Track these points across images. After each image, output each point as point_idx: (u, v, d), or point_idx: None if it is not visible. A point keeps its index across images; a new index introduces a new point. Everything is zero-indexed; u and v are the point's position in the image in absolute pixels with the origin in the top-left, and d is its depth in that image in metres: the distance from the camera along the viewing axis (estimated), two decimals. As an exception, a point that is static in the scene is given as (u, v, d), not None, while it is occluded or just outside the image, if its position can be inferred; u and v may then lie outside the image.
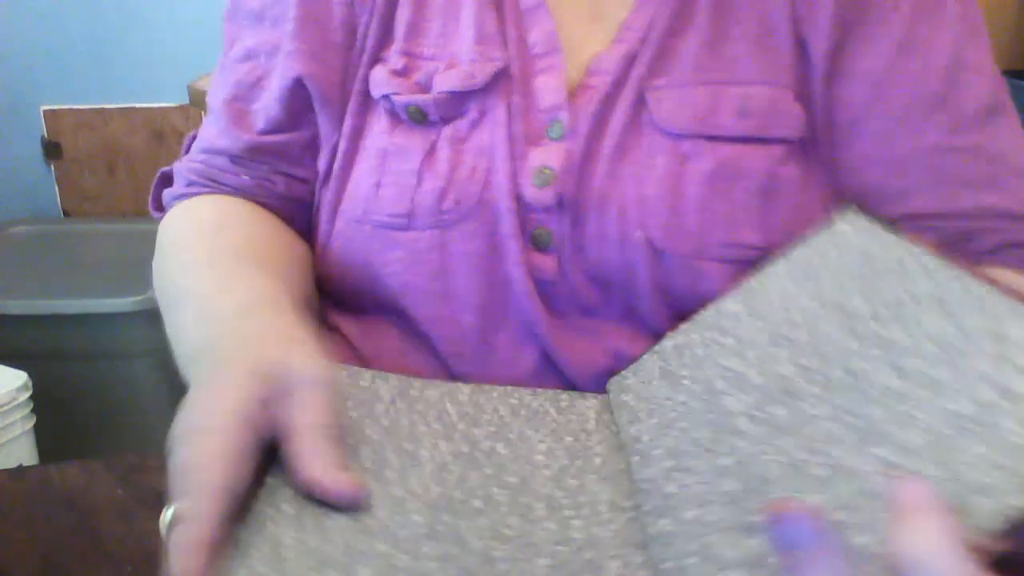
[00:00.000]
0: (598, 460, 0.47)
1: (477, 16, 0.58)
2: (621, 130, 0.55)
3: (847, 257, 0.49)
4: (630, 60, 0.57)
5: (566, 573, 0.39)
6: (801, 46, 0.57)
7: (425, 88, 0.57)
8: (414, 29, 0.59)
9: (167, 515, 0.38)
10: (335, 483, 0.40)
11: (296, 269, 0.61)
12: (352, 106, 0.60)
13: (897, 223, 0.58)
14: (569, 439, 0.49)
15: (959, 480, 0.34)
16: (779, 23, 0.57)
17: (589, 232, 0.55)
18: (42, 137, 2.44)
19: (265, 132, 0.61)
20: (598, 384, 0.55)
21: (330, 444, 0.41)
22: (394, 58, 0.59)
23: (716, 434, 0.44)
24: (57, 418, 1.63)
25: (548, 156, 0.56)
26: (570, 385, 0.56)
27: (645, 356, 0.54)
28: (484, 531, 0.40)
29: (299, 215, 0.63)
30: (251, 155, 0.62)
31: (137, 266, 1.85)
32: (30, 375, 1.48)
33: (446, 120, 0.57)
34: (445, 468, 0.44)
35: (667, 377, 0.50)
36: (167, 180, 0.67)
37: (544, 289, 0.56)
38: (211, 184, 0.63)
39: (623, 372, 0.55)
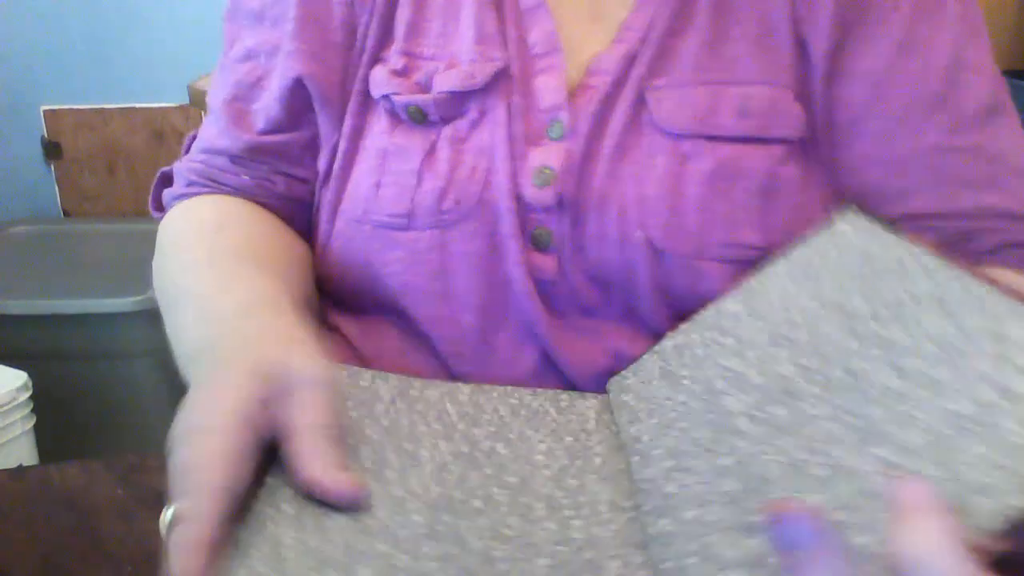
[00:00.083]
0: (598, 460, 0.47)
1: (477, 16, 0.58)
2: (621, 130, 0.55)
3: (847, 257, 0.49)
4: (630, 60, 0.57)
5: (566, 573, 0.39)
6: (801, 46, 0.57)
7: (425, 88, 0.57)
8: (414, 29, 0.59)
9: (167, 515, 0.38)
10: (335, 483, 0.40)
11: (296, 269, 0.61)
12: (352, 106, 0.60)
13: (897, 223, 0.58)
14: (569, 439, 0.49)
15: (959, 480, 0.34)
16: (779, 23, 0.57)
17: (589, 232, 0.55)
18: (42, 137, 2.44)
19: (265, 132, 0.61)
20: (598, 384, 0.55)
21: (330, 444, 0.41)
22: (394, 58, 0.59)
23: (716, 434, 0.44)
24: (57, 418, 1.63)
25: (548, 156, 0.56)
26: (570, 385, 0.56)
27: (645, 356, 0.54)
28: (484, 531, 0.40)
29: (299, 215, 0.63)
30: (251, 155, 0.62)
31: (137, 266, 1.85)
32: (30, 375, 1.48)
33: (446, 120, 0.57)
34: (445, 468, 0.44)
35: (667, 377, 0.50)
36: (167, 180, 0.67)
37: (544, 289, 0.56)
38: (211, 184, 0.63)
39: (623, 372, 0.55)
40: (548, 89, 0.57)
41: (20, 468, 1.25)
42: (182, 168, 0.65)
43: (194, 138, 0.67)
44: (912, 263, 0.45)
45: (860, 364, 0.42)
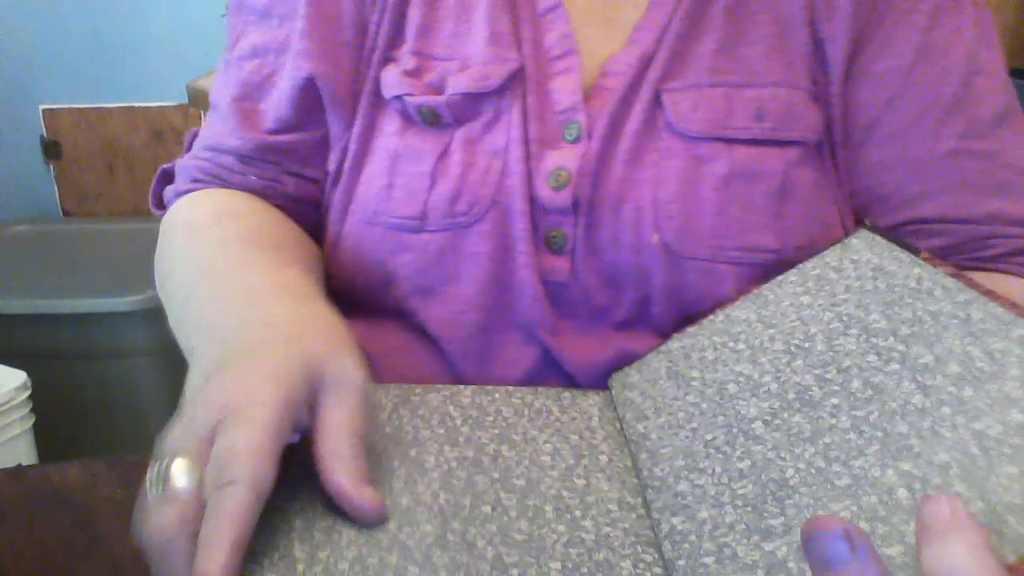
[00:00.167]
0: (604, 458, 0.47)
1: (490, 17, 0.57)
2: (637, 132, 0.55)
3: (862, 272, 0.49)
4: (646, 62, 0.56)
5: None
6: (818, 47, 0.57)
7: (438, 89, 0.57)
8: (425, 29, 0.59)
9: (164, 469, 0.37)
10: (361, 497, 0.39)
11: (312, 257, 0.60)
12: (362, 106, 0.59)
13: (908, 227, 0.58)
14: (575, 438, 0.48)
15: (989, 500, 0.34)
16: (796, 24, 0.56)
17: (604, 235, 0.55)
18: (41, 136, 2.44)
19: (274, 132, 0.60)
20: (599, 381, 0.55)
21: (359, 454, 0.40)
22: (405, 58, 0.58)
23: (729, 437, 0.44)
24: (56, 418, 1.63)
25: (564, 158, 0.55)
26: (571, 382, 0.56)
27: (650, 355, 0.54)
28: (494, 537, 0.40)
29: (306, 216, 0.63)
30: (260, 155, 0.61)
31: (137, 265, 1.85)
32: (29, 375, 1.48)
33: (460, 122, 0.56)
34: (452, 474, 0.44)
35: (674, 378, 0.50)
36: (168, 177, 0.67)
37: (556, 291, 0.56)
38: (217, 181, 0.62)
39: (626, 368, 0.54)
40: (564, 91, 0.56)
41: (19, 468, 1.24)
42: (186, 165, 0.64)
43: (195, 135, 0.66)
44: (929, 282, 0.45)
45: (880, 378, 0.42)
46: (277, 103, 0.60)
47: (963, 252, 0.58)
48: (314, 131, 0.60)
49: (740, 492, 0.40)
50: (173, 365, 1.84)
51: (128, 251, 1.97)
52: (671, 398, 0.49)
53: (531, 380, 0.56)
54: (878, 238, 0.51)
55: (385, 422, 0.47)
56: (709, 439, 0.44)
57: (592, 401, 0.53)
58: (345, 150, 0.59)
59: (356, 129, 0.59)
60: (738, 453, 0.42)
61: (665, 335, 0.55)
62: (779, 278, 0.53)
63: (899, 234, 0.53)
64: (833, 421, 0.41)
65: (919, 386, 0.40)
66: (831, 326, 0.47)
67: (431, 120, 0.57)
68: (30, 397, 1.48)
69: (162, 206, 0.65)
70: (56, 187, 2.49)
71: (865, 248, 0.51)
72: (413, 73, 0.58)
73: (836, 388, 0.43)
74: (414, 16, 0.58)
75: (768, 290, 0.52)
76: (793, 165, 0.55)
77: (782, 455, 0.41)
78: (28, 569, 0.61)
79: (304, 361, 0.41)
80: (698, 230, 0.54)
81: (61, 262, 1.97)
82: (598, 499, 0.44)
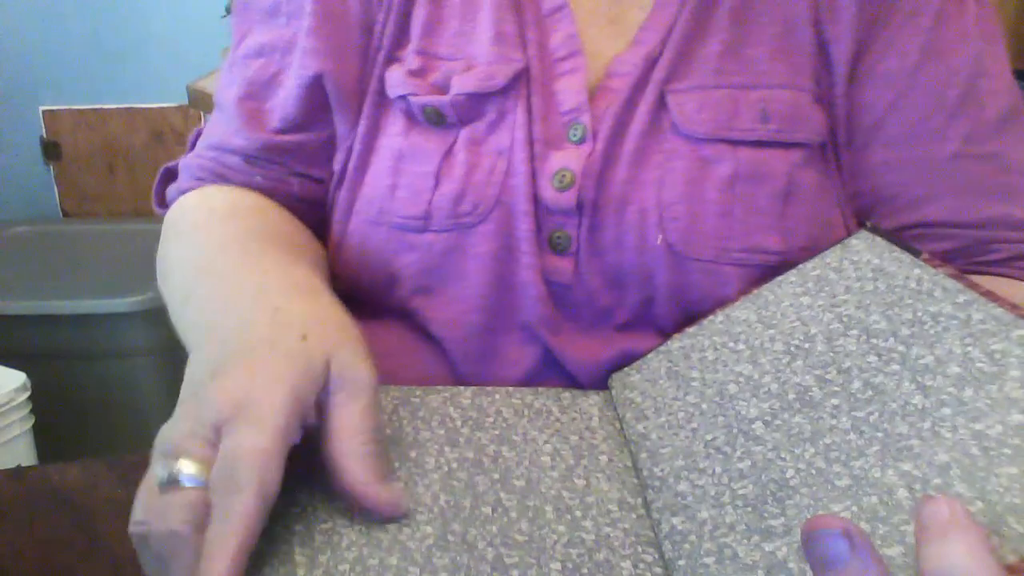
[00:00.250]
0: (604, 458, 0.47)
1: (495, 17, 0.57)
2: (641, 133, 0.55)
3: (862, 273, 0.49)
4: (651, 63, 0.56)
5: None
6: (823, 48, 0.57)
7: (442, 89, 0.57)
8: (430, 29, 0.58)
9: (173, 469, 0.37)
10: (379, 496, 0.39)
11: (321, 259, 0.60)
12: (367, 106, 0.59)
13: (911, 231, 0.58)
14: (574, 438, 0.48)
15: (989, 500, 0.34)
16: (801, 25, 0.56)
17: (608, 236, 0.55)
18: (41, 137, 2.44)
19: (280, 131, 0.60)
20: (601, 381, 0.55)
21: (373, 452, 0.40)
22: (410, 58, 0.58)
23: (729, 437, 0.44)
24: (56, 418, 1.63)
25: (568, 159, 0.55)
26: (572, 382, 0.56)
27: (650, 355, 0.54)
28: (495, 538, 0.40)
29: (311, 216, 0.63)
30: (266, 155, 0.61)
31: (136, 266, 1.85)
32: (29, 375, 1.48)
33: (464, 122, 0.56)
34: (452, 475, 0.44)
35: (674, 378, 0.50)
36: (171, 176, 0.66)
37: (559, 292, 0.56)
38: (221, 181, 0.62)
39: (626, 368, 0.54)
40: (569, 91, 0.56)
41: (19, 468, 1.24)
42: (189, 163, 0.64)
43: (199, 133, 0.66)
44: (929, 283, 0.46)
45: (881, 379, 0.42)
46: (283, 102, 0.60)
47: (966, 256, 0.58)
48: (320, 131, 0.60)
49: (740, 492, 0.40)
50: (173, 365, 1.84)
51: (128, 252, 1.97)
52: (671, 398, 0.49)
53: (533, 380, 0.56)
54: (878, 239, 0.51)
55: (385, 424, 0.47)
56: (709, 439, 0.44)
57: (592, 401, 0.53)
58: (350, 150, 0.59)
59: (361, 128, 0.59)
60: (738, 453, 0.42)
61: (668, 336, 0.55)
62: (779, 278, 0.53)
63: (902, 238, 0.52)
64: (833, 422, 0.41)
65: (919, 387, 0.40)
66: (831, 327, 0.47)
67: (435, 120, 0.56)
68: (30, 397, 1.48)
69: (164, 204, 0.65)
70: (56, 188, 2.49)
71: (865, 249, 0.51)
72: (417, 73, 0.57)
73: (836, 389, 0.43)
74: (419, 16, 0.58)
75: (768, 290, 0.52)
76: (798, 167, 0.55)
77: (782, 455, 0.41)
78: (28, 569, 0.61)
79: (312, 360, 0.41)
80: (703, 231, 0.54)
81: (61, 263, 1.97)
82: (598, 499, 0.44)
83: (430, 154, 0.56)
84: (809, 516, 0.37)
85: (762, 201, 0.54)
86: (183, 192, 0.63)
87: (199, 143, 0.65)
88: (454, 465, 0.44)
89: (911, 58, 0.57)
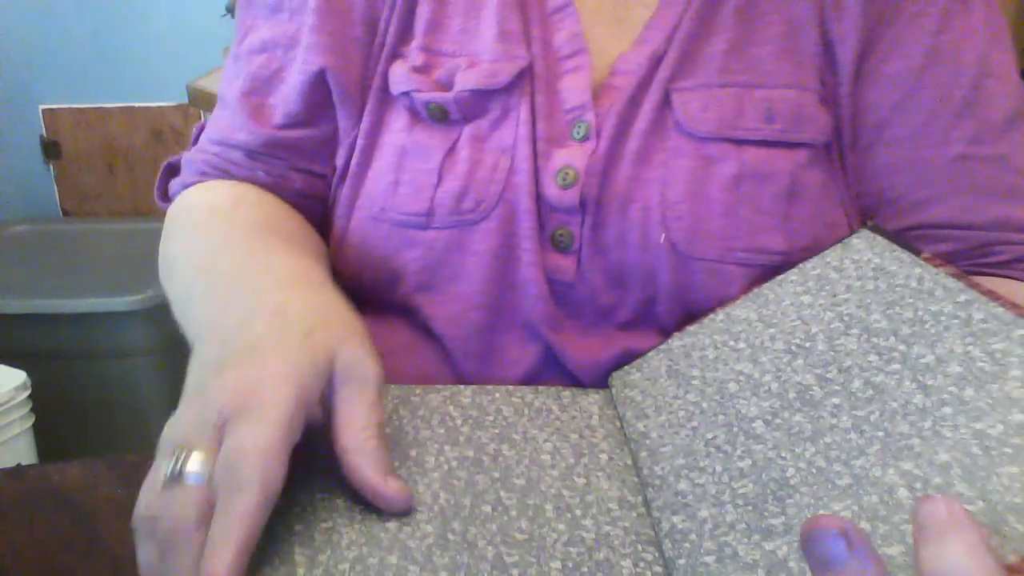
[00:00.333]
0: (604, 457, 0.47)
1: (499, 14, 0.57)
2: (645, 132, 0.55)
3: (863, 272, 0.49)
4: (655, 61, 0.56)
5: (580, 575, 0.39)
6: (828, 48, 0.57)
7: (446, 86, 0.57)
8: (434, 25, 0.58)
9: (180, 464, 0.37)
10: (389, 490, 0.39)
11: (324, 255, 0.60)
12: (371, 102, 0.59)
13: (915, 232, 0.58)
14: (574, 436, 0.48)
15: (989, 500, 0.34)
16: (806, 25, 0.56)
17: (611, 234, 0.55)
18: (41, 136, 2.44)
19: (283, 127, 0.60)
20: (602, 380, 0.55)
21: (381, 446, 0.40)
22: (413, 54, 0.58)
23: (730, 436, 0.44)
24: (56, 418, 1.63)
25: (571, 157, 0.55)
26: (573, 381, 0.56)
27: (650, 353, 0.54)
28: (495, 536, 0.40)
29: (312, 212, 0.63)
30: (269, 150, 0.61)
31: (136, 265, 1.85)
32: (29, 375, 1.48)
33: (468, 119, 0.56)
34: (452, 474, 0.44)
35: (675, 376, 0.50)
36: (173, 170, 0.66)
37: (561, 290, 0.56)
38: (224, 175, 0.62)
39: (626, 367, 0.54)
40: (573, 89, 0.56)
41: (19, 468, 1.24)
42: (192, 158, 0.64)
43: (202, 128, 0.66)
44: (930, 282, 0.45)
45: (881, 378, 0.42)
46: (286, 98, 0.60)
47: (969, 258, 0.58)
48: (323, 126, 0.60)
49: (741, 491, 0.40)
50: (173, 365, 1.84)
51: (128, 251, 1.97)
52: (671, 396, 0.49)
53: (534, 379, 0.56)
54: (879, 238, 0.51)
55: (385, 423, 0.47)
56: (710, 438, 0.44)
57: (592, 400, 0.53)
58: (353, 146, 0.59)
59: (364, 125, 0.59)
60: (739, 452, 0.42)
61: (669, 335, 0.55)
62: (779, 277, 0.53)
63: (904, 237, 0.52)
64: (834, 421, 0.41)
65: (920, 386, 0.40)
66: (832, 326, 0.47)
67: (439, 116, 0.56)
68: (30, 397, 1.48)
69: (167, 198, 0.65)
70: (56, 187, 2.49)
71: (866, 248, 0.51)
72: (421, 69, 0.57)
73: (837, 388, 0.43)
74: (423, 12, 0.58)
75: (769, 289, 0.52)
76: (802, 167, 0.55)
77: (783, 454, 0.41)
78: (28, 569, 0.61)
79: (317, 356, 0.41)
80: (706, 231, 0.54)
81: (61, 262, 1.97)
82: (598, 498, 0.44)
83: (433, 151, 0.56)
84: (809, 515, 0.37)
85: (766, 201, 0.54)
86: (186, 186, 0.63)
87: (202, 137, 0.65)
88: (454, 464, 0.44)
89: (916, 59, 0.56)
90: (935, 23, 0.56)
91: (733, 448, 0.43)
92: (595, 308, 0.56)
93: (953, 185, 0.57)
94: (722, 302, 0.54)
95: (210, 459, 0.37)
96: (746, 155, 0.54)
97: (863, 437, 0.39)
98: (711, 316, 0.53)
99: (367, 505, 0.41)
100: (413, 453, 0.45)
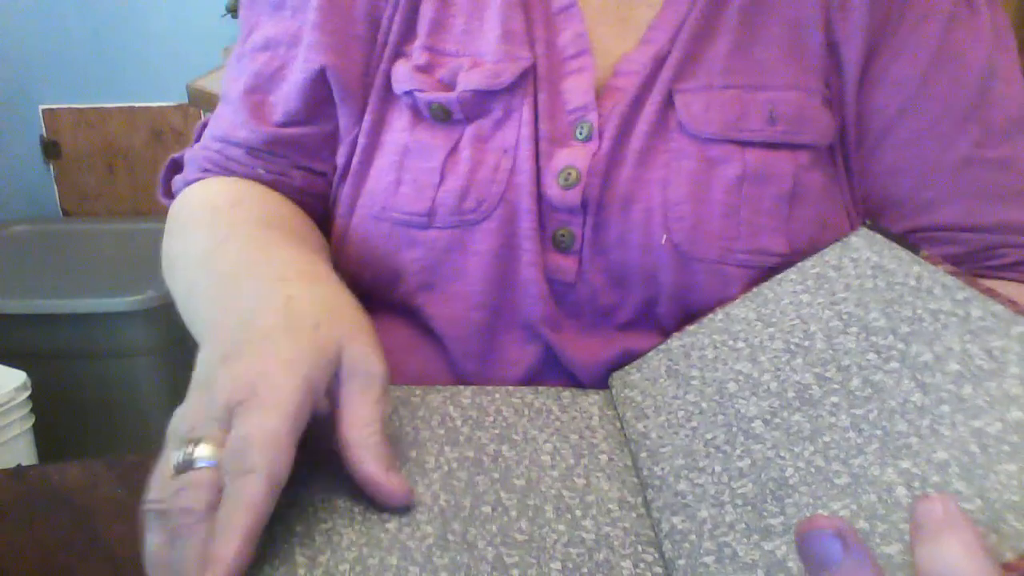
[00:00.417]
0: (604, 457, 0.47)
1: (503, 14, 0.57)
2: (648, 132, 0.55)
3: (862, 270, 0.49)
4: (659, 62, 0.56)
5: None
6: (833, 50, 0.57)
7: (449, 86, 0.57)
8: (438, 25, 0.58)
9: (189, 454, 0.37)
10: (391, 484, 0.39)
11: (326, 252, 0.60)
12: (372, 101, 0.59)
13: (919, 235, 0.58)
14: (574, 437, 0.48)
15: (987, 498, 0.34)
16: (811, 27, 0.56)
17: (612, 234, 0.55)
18: (41, 136, 2.44)
19: (283, 124, 0.60)
20: (604, 380, 0.55)
21: (384, 441, 0.40)
22: (416, 53, 0.58)
23: (729, 436, 0.44)
24: (56, 418, 1.63)
25: (574, 157, 0.55)
26: (573, 381, 0.56)
27: (650, 353, 0.54)
28: (495, 537, 0.40)
29: (313, 211, 0.63)
30: (269, 147, 0.61)
31: (136, 266, 1.85)
32: (29, 375, 1.47)
33: (470, 119, 0.56)
34: (452, 474, 0.44)
35: (674, 376, 0.50)
36: (177, 167, 0.67)
37: (562, 290, 0.56)
38: (226, 172, 0.62)
39: (626, 367, 0.54)
40: (576, 90, 0.56)
41: (19, 468, 1.24)
42: (195, 155, 0.64)
43: (205, 124, 0.66)
44: (928, 280, 0.45)
45: (880, 377, 0.42)
46: (287, 95, 0.60)
47: (973, 260, 0.58)
48: (323, 124, 0.60)
49: (740, 491, 0.40)
50: (173, 365, 1.84)
51: (128, 251, 1.97)
52: (671, 397, 0.49)
53: (534, 379, 0.56)
54: (878, 236, 0.51)
55: (385, 423, 0.47)
56: (709, 438, 0.44)
57: (592, 400, 0.53)
58: (354, 144, 0.59)
59: (366, 123, 0.59)
60: (738, 452, 0.42)
61: (669, 335, 0.55)
62: (778, 276, 0.53)
63: (910, 241, 0.52)
64: (833, 420, 0.41)
65: (918, 384, 0.40)
66: (831, 324, 0.47)
67: (441, 116, 0.56)
68: (30, 397, 1.48)
69: (170, 195, 0.66)
70: (56, 187, 2.49)
71: (865, 246, 0.51)
72: (424, 69, 0.57)
73: (836, 387, 0.43)
74: (427, 11, 0.58)
75: (768, 288, 0.52)
76: (804, 169, 0.55)
77: (782, 454, 0.41)
78: (28, 569, 0.61)
79: (324, 348, 0.41)
80: (708, 232, 0.54)
81: (61, 262, 1.97)
82: (598, 499, 0.44)
83: (435, 150, 0.56)
84: (808, 514, 0.37)
85: (768, 202, 0.54)
86: (188, 183, 0.63)
87: (204, 134, 0.65)
88: (454, 464, 0.44)
89: (922, 62, 0.56)
90: (941, 26, 0.56)
91: (732, 448, 0.43)
92: (595, 308, 0.56)
93: (958, 188, 0.57)
94: (722, 303, 0.54)
95: (218, 448, 0.37)
96: (748, 157, 0.54)
97: (862, 436, 0.39)
98: (710, 316, 0.53)
99: (367, 506, 0.41)
100: (413, 454, 0.45)
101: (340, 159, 0.60)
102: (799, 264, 0.53)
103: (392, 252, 0.57)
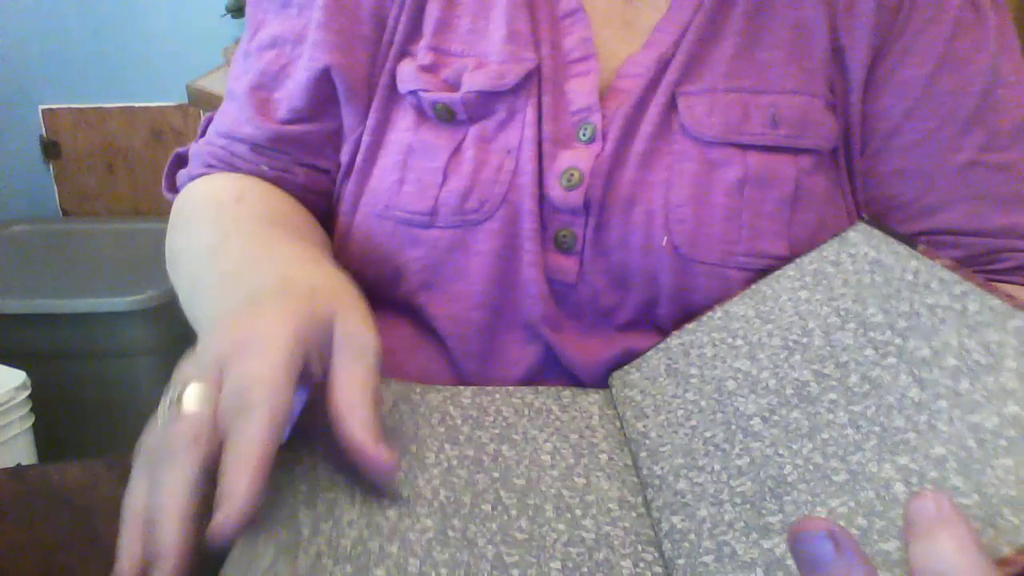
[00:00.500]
0: (604, 457, 0.47)
1: (509, 15, 0.57)
2: (651, 135, 0.55)
3: (860, 266, 0.49)
4: (663, 64, 0.56)
5: (579, 575, 0.39)
6: (838, 54, 0.57)
7: (453, 86, 0.57)
8: (443, 25, 0.58)
9: (178, 394, 0.37)
10: (376, 451, 0.39)
11: (328, 248, 0.60)
12: (377, 100, 0.59)
13: (922, 238, 0.58)
14: (574, 436, 0.48)
15: (984, 493, 0.34)
16: (816, 30, 0.56)
17: (613, 236, 0.55)
18: (41, 136, 2.44)
19: (287, 121, 0.60)
20: (604, 380, 0.55)
21: (375, 410, 0.40)
22: (422, 53, 0.58)
23: (728, 434, 0.44)
24: (56, 418, 1.63)
25: (577, 158, 0.55)
26: (574, 381, 0.56)
27: (649, 352, 0.54)
28: (494, 535, 0.40)
29: (316, 208, 0.63)
30: (273, 144, 0.61)
31: (136, 265, 1.85)
32: (29, 374, 1.47)
33: (474, 119, 0.56)
34: (452, 472, 0.44)
35: (674, 375, 0.50)
36: (181, 161, 0.67)
37: (563, 291, 0.56)
38: (230, 168, 0.62)
39: (626, 367, 0.54)
40: (580, 92, 0.56)
41: (19, 468, 1.24)
42: (200, 150, 0.64)
43: (210, 120, 0.66)
44: (926, 275, 0.45)
45: (878, 373, 0.42)
46: (291, 93, 0.60)
47: (977, 264, 0.58)
48: (327, 122, 0.60)
49: (739, 490, 0.40)
50: (173, 365, 1.83)
51: (128, 251, 1.97)
52: (670, 396, 0.49)
53: (534, 379, 0.57)
54: (875, 231, 0.51)
55: (385, 417, 0.47)
56: (708, 436, 0.44)
57: (592, 400, 0.53)
58: (359, 142, 0.59)
59: (370, 122, 0.59)
60: (737, 450, 0.42)
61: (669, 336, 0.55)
62: (777, 273, 0.53)
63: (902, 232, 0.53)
64: (831, 416, 0.41)
65: (916, 379, 0.40)
66: (829, 321, 0.47)
67: (445, 116, 0.57)
68: (30, 397, 1.48)
69: (174, 190, 0.66)
70: (56, 187, 2.49)
71: (863, 241, 0.51)
72: (429, 69, 0.57)
73: (834, 383, 0.43)
74: (432, 11, 0.58)
75: (766, 285, 0.52)
76: (806, 172, 0.55)
77: (780, 451, 0.41)
78: (28, 569, 0.61)
79: (317, 310, 0.41)
80: (708, 234, 0.54)
81: (61, 262, 1.97)
82: (598, 498, 0.44)
83: (439, 150, 0.56)
84: (807, 512, 0.37)
85: (770, 206, 0.54)
86: (192, 178, 0.64)
87: (209, 130, 0.65)
88: (454, 463, 0.45)
89: (928, 66, 0.56)
90: (947, 31, 0.56)
91: (731, 446, 0.43)
92: (596, 309, 0.56)
93: (962, 192, 0.57)
94: (721, 302, 0.54)
95: (208, 390, 0.37)
96: (750, 160, 0.54)
97: (859, 432, 0.39)
98: (709, 314, 0.53)
99: (368, 491, 0.41)
100: (413, 449, 0.45)
101: (344, 157, 0.60)
102: (797, 260, 0.53)
103: (395, 251, 0.57)
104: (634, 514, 0.43)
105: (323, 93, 0.59)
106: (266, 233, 0.54)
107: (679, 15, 0.57)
